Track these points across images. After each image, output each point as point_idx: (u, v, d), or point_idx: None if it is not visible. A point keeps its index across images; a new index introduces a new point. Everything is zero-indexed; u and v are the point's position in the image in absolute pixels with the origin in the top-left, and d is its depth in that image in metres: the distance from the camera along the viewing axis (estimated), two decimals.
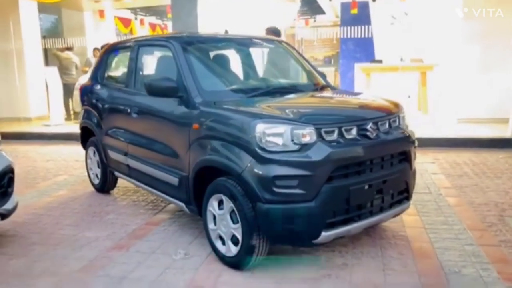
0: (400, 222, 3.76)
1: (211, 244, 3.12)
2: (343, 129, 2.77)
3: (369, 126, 2.87)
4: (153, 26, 16.72)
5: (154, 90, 3.27)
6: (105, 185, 4.77)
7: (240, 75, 3.78)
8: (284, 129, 2.66)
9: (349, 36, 12.00)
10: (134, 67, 3.95)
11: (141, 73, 3.95)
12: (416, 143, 3.36)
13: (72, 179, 5.52)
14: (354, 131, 2.82)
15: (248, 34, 4.15)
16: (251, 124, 2.69)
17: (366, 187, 2.83)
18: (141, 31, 15.18)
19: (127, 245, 3.44)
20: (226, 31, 4.24)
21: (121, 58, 4.38)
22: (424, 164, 5.81)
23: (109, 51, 4.60)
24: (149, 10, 14.20)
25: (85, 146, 5.02)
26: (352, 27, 11.91)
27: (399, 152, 3.11)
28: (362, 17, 12.27)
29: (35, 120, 10.25)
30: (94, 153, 4.78)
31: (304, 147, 2.65)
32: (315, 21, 16.62)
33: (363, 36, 12.05)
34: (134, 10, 13.98)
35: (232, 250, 2.93)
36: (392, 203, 3.10)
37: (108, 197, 4.75)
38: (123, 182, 4.72)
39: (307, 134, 2.66)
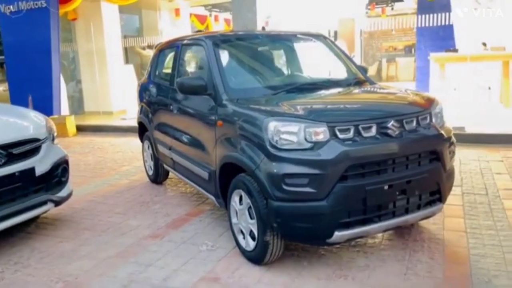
0: (440, 224, 3.55)
1: (235, 238, 3.22)
2: (360, 127, 2.68)
3: (391, 124, 2.74)
4: (228, 22, 17.16)
5: (185, 88, 3.43)
6: (157, 177, 5.08)
7: (271, 71, 3.79)
8: (296, 126, 2.65)
9: (426, 25, 11.31)
10: (176, 65, 4.15)
11: (181, 71, 4.14)
12: (453, 140, 3.14)
13: (134, 170, 5.94)
14: (373, 129, 2.71)
15: (286, 30, 4.13)
16: (264, 121, 2.72)
17: (386, 187, 2.72)
18: (216, 27, 15.70)
19: (162, 234, 3.66)
20: (264, 28, 4.25)
21: (168, 56, 4.61)
22: (490, 162, 5.35)
23: (160, 50, 4.87)
24: (222, 7, 14.59)
25: (142, 140, 5.38)
26: (430, 15, 11.21)
27: (429, 151, 2.93)
28: (442, 3, 11.49)
29: (116, 114, 11.09)
30: (148, 146, 5.11)
31: (317, 145, 2.62)
32: (392, 9, 15.85)
33: (442, 23, 11.28)
34: (208, 7, 14.48)
35: (250, 244, 3.00)
36: (420, 204, 2.94)
37: (159, 187, 5.05)
38: None
39: (320, 132, 2.63)
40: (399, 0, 14.69)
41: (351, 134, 2.67)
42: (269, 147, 2.68)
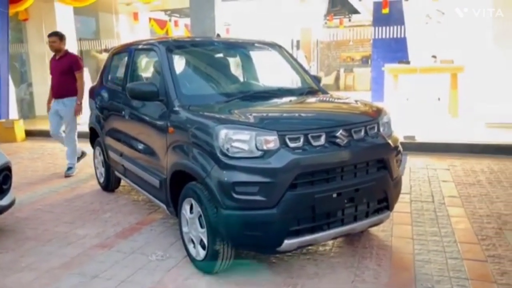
0: (389, 231, 3.63)
1: (185, 247, 3.16)
2: (309, 136, 2.71)
3: (339, 133, 2.79)
4: (188, 27, 17.03)
5: (135, 93, 3.35)
6: (109, 184, 4.93)
7: (224, 79, 3.78)
8: (247, 135, 2.65)
9: (382, 37, 11.70)
10: (128, 70, 4.06)
11: (133, 76, 4.05)
12: (400, 149, 3.24)
13: (84, 177, 5.74)
14: (322, 138, 2.75)
15: (241, 38, 4.14)
16: (215, 129, 2.70)
17: (334, 195, 2.76)
18: (176, 32, 15.55)
19: (111, 244, 3.54)
20: (218, 35, 4.25)
21: (121, 61, 4.51)
22: (438, 170, 5.57)
23: (114, 54, 4.75)
24: (183, 12, 14.48)
25: (93, 146, 5.22)
26: (385, 27, 11.61)
27: (376, 160, 3.00)
28: (395, 17, 11.93)
29: None
30: (100, 153, 4.96)
31: (267, 153, 2.62)
32: (350, 20, 16.29)
33: (396, 36, 11.69)
34: (168, 12, 14.33)
35: (200, 254, 2.95)
36: (368, 212, 3.00)
37: (110, 195, 4.90)
38: None
39: (271, 141, 2.64)
40: (356, 12, 15.11)
41: (300, 142, 2.69)
42: (219, 155, 2.65)
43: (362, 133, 2.94)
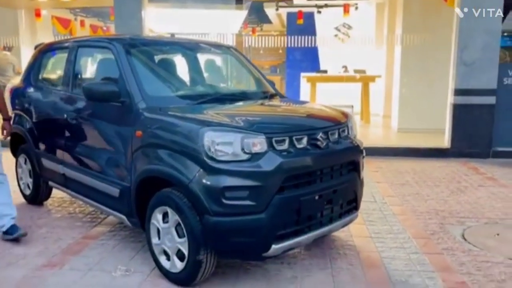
0: (347, 231, 3.75)
1: (155, 259, 2.93)
2: (294, 138, 2.71)
3: (319, 135, 2.83)
4: (94, 28, 16.04)
5: (94, 94, 3.05)
6: (37, 196, 4.40)
7: (187, 80, 3.63)
8: (234, 137, 2.55)
9: (295, 46, 12.17)
10: (72, 69, 3.68)
11: (79, 76, 3.69)
12: (364, 152, 3.38)
13: None
14: (304, 141, 2.76)
15: (196, 39, 4.01)
16: (200, 132, 2.56)
17: (317, 197, 2.78)
18: (81, 32, 14.51)
19: (61, 262, 3.16)
20: (173, 35, 4.07)
21: (58, 59, 4.08)
22: (369, 172, 5.91)
23: (44, 51, 4.27)
24: (90, 11, 13.61)
25: (15, 154, 4.62)
26: (298, 37, 12.11)
27: (348, 162, 3.10)
28: (308, 28, 12.53)
29: None
30: (26, 161, 4.41)
31: (255, 156, 2.55)
32: (261, 29, 16.74)
33: (308, 46, 12.23)
34: (74, 10, 13.33)
35: (177, 265, 2.76)
36: (341, 213, 3.08)
37: (41, 209, 4.38)
38: (58, 192, 4.38)
39: (258, 143, 2.57)
40: (269, 21, 15.56)
41: (286, 145, 2.67)
42: (206, 159, 2.52)
43: (336, 136, 3.01)
